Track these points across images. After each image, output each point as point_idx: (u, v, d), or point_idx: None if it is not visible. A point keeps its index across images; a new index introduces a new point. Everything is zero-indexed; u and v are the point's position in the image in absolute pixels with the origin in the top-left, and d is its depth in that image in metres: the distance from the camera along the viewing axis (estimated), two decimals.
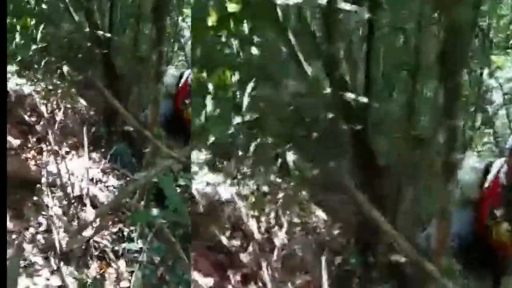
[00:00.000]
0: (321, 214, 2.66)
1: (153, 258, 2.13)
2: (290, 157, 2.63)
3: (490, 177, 1.95)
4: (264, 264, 2.04)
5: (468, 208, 1.96)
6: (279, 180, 2.67)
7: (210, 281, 2.00)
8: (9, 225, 1.81)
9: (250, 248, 2.17)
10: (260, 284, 2.03)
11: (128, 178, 2.64)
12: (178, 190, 2.18)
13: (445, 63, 1.24)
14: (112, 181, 2.54)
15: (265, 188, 2.54)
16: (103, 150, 2.71)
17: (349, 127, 1.93)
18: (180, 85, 2.75)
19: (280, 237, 2.25)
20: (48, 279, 1.71)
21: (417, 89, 2.02)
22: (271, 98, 2.39)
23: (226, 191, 2.40)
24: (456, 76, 1.22)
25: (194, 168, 2.42)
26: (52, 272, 1.76)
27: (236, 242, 2.20)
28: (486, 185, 1.94)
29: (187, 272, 1.99)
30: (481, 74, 3.28)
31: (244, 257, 2.12)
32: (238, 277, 2.06)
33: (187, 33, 3.18)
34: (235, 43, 2.46)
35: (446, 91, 1.24)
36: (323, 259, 1.89)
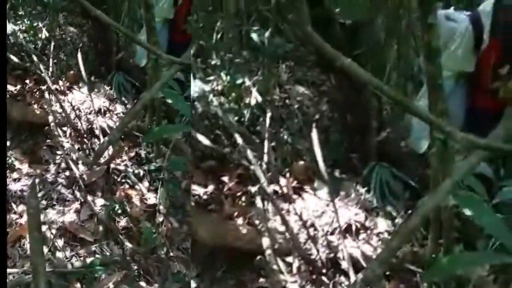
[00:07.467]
0: (304, 91, 2.38)
1: (174, 173, 2.23)
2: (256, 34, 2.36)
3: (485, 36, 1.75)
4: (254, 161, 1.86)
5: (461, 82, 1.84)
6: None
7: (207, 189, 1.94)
8: (29, 170, 1.92)
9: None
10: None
11: (135, 101, 2.64)
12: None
13: None
14: (120, 109, 2.55)
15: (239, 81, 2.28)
16: (102, 78, 2.67)
17: None
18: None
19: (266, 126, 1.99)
20: (78, 211, 1.85)
21: None
22: None
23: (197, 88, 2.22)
24: None
25: None
26: (81, 204, 1.89)
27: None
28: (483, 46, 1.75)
29: None
30: None
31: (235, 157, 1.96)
32: (234, 179, 1.96)
33: None
34: None
35: None
36: (315, 140, 1.60)
